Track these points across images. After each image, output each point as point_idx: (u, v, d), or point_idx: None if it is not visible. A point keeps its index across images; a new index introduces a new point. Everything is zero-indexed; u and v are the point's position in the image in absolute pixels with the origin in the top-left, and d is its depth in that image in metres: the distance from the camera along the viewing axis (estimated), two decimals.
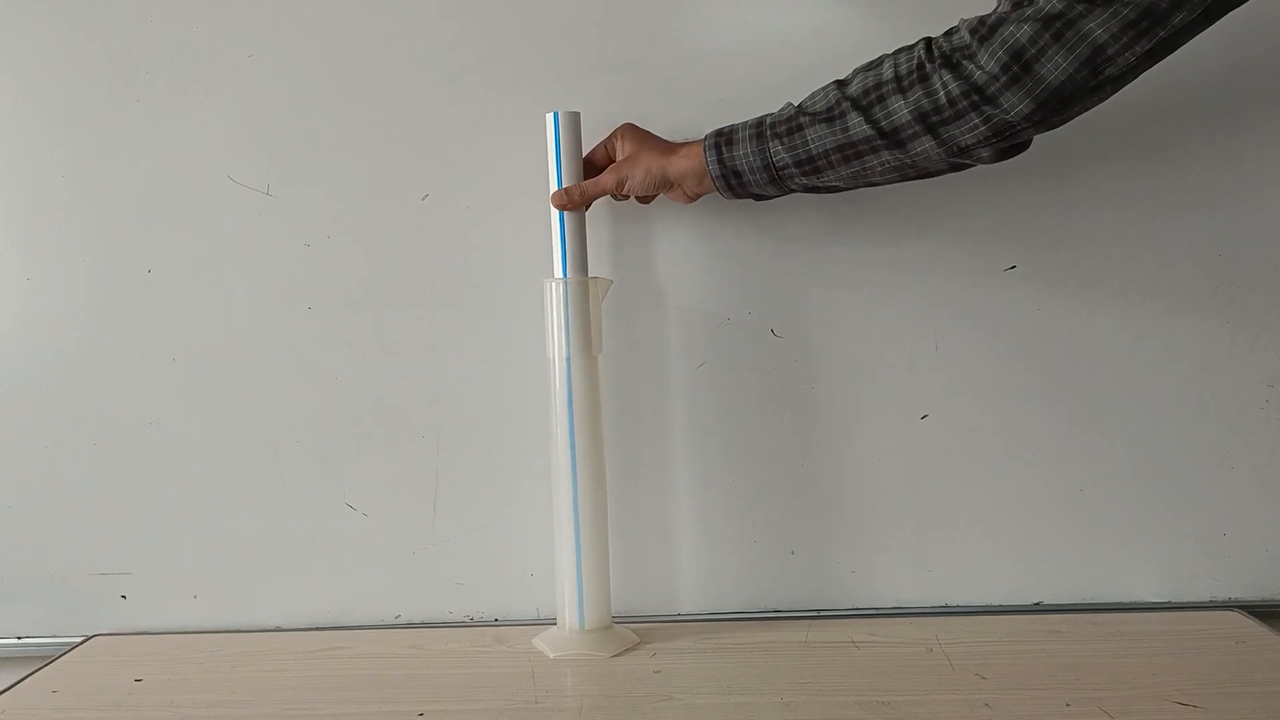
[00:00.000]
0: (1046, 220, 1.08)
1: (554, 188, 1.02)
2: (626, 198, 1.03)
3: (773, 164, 0.93)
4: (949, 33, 0.86)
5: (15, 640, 1.13)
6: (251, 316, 1.10)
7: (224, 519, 1.11)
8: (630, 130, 1.02)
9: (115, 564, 1.12)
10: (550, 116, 1.01)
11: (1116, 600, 1.10)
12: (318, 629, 1.11)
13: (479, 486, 1.11)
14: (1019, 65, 0.80)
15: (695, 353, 1.10)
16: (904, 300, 1.09)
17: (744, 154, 0.94)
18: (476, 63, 1.08)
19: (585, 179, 1.02)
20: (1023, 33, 0.79)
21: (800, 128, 0.91)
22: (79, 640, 1.10)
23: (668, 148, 1.00)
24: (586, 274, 1.02)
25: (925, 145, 0.86)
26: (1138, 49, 0.78)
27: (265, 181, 1.09)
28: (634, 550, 1.10)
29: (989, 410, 1.09)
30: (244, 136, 1.09)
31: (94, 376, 1.10)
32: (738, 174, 0.95)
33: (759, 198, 1.00)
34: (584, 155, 1.03)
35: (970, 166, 0.91)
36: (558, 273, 1.02)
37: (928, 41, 0.86)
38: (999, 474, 1.10)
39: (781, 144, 0.92)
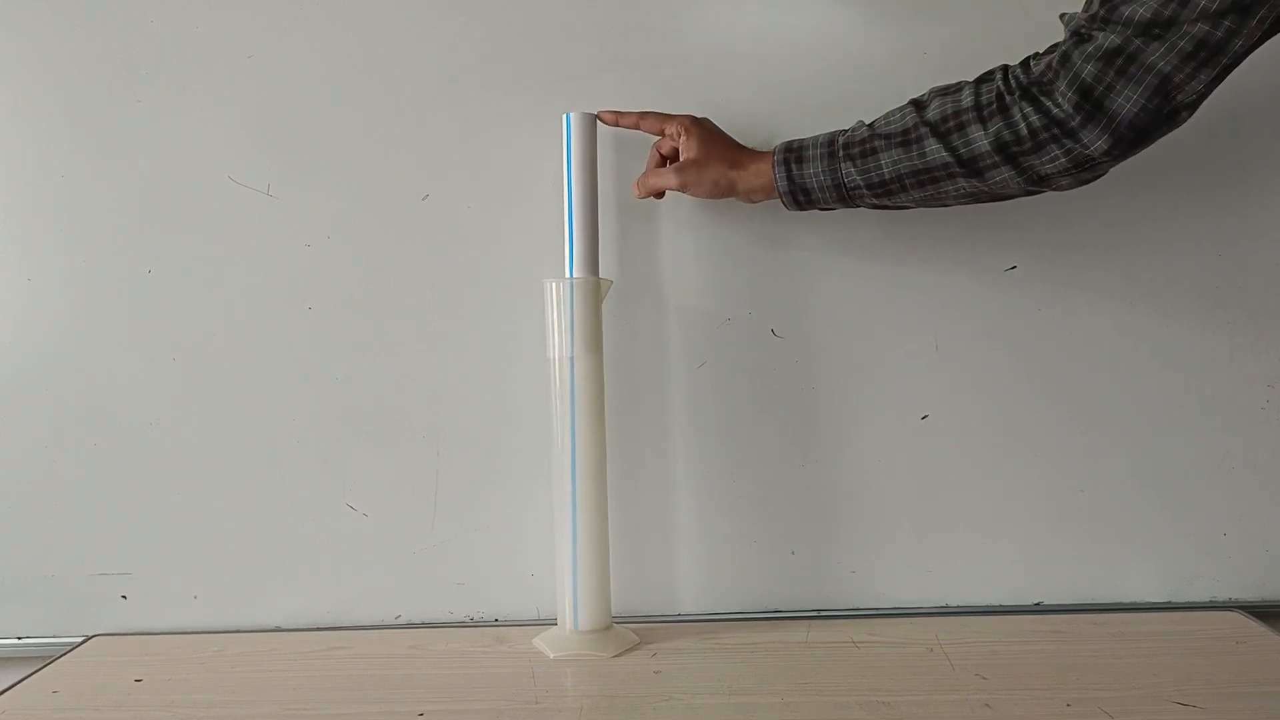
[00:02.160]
0: (1046, 220, 1.08)
1: (566, 190, 1.02)
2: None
3: (844, 184, 0.93)
4: (1025, 64, 0.86)
5: (15, 640, 1.12)
6: (251, 316, 1.10)
7: (224, 519, 1.11)
8: (696, 127, 1.00)
9: (115, 564, 1.12)
10: (564, 117, 1.01)
11: (1117, 600, 1.10)
12: (318, 629, 1.11)
13: (479, 486, 1.11)
14: (1090, 103, 0.80)
15: (695, 353, 1.10)
16: (904, 300, 1.09)
17: (814, 172, 0.94)
18: (477, 63, 1.08)
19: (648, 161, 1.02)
20: (1087, 71, 0.80)
21: (875, 150, 0.91)
22: (79, 640, 1.10)
23: (735, 157, 0.99)
24: (596, 273, 1.02)
25: (1004, 174, 0.86)
26: (1203, 76, 0.78)
27: (265, 182, 1.09)
28: (634, 550, 1.10)
29: (989, 410, 1.09)
30: (244, 136, 1.09)
31: (94, 376, 1.10)
32: (806, 191, 0.95)
33: (823, 210, 0.99)
34: (647, 123, 1.02)
35: (1044, 192, 0.90)
36: (566, 272, 1.02)
37: (1005, 70, 0.86)
38: (999, 474, 1.10)
39: (854, 165, 0.92)
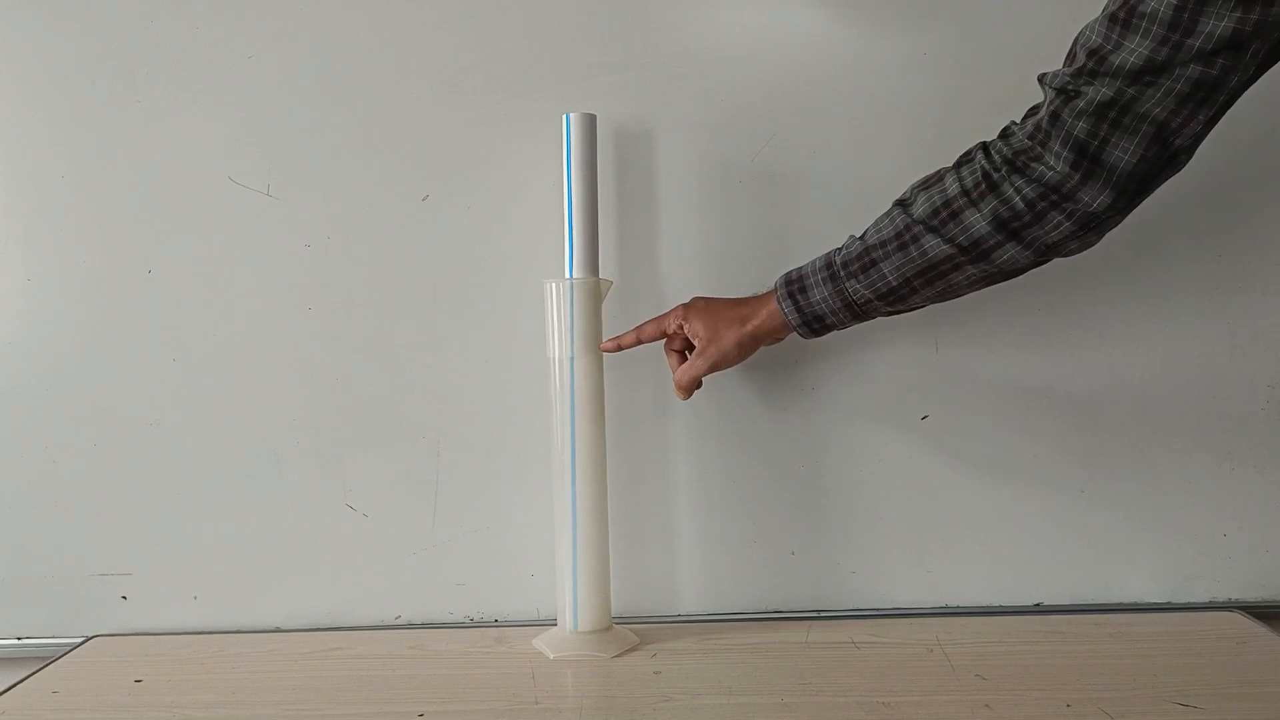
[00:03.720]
0: None
1: (566, 191, 1.02)
2: None
3: (854, 302, 0.92)
4: (1004, 136, 0.84)
5: (15, 641, 1.12)
6: (251, 317, 1.10)
7: (224, 519, 1.11)
8: (694, 311, 0.99)
9: (115, 564, 1.12)
10: (564, 118, 1.01)
11: (1117, 601, 1.10)
12: (318, 629, 1.11)
13: (479, 487, 1.11)
14: (1087, 160, 0.79)
15: None
16: None
17: (821, 298, 0.93)
18: (477, 63, 1.08)
19: (673, 358, 1.02)
20: (1079, 129, 0.78)
21: (874, 262, 0.89)
22: (79, 641, 1.10)
23: (742, 314, 0.98)
24: (596, 274, 1.02)
25: (1010, 251, 0.85)
26: (1201, 116, 0.77)
27: (265, 182, 1.09)
28: (634, 551, 1.10)
29: (989, 410, 1.09)
30: (244, 137, 1.09)
31: (94, 377, 1.10)
32: (819, 318, 0.94)
33: (840, 330, 0.97)
34: (645, 333, 1.02)
35: (1052, 259, 0.89)
36: (566, 272, 1.02)
37: (984, 148, 0.85)
38: (999, 474, 1.10)
39: (859, 281, 0.91)
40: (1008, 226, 0.83)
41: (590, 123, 1.02)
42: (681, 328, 1.00)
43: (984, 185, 0.83)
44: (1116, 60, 0.75)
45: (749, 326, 0.97)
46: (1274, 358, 1.08)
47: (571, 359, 1.00)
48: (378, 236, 1.09)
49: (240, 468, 1.11)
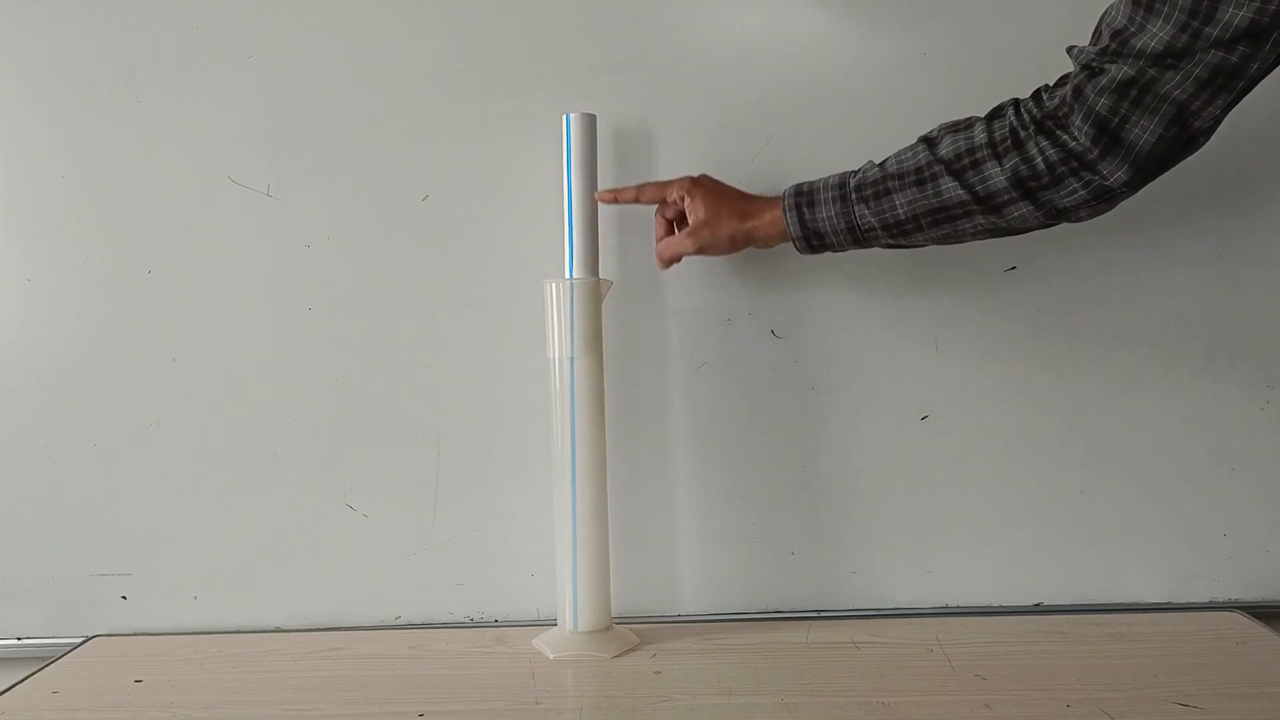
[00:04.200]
0: None
1: (566, 191, 1.02)
2: None
3: (858, 226, 0.92)
4: (1036, 96, 0.85)
5: (15, 641, 1.12)
6: (251, 317, 1.10)
7: (224, 519, 1.11)
8: (701, 189, 0.99)
9: (115, 564, 1.12)
10: (564, 118, 1.01)
11: (1117, 601, 1.10)
12: (318, 629, 1.11)
13: (479, 487, 1.11)
14: (1107, 136, 0.80)
15: (695, 353, 1.10)
16: (904, 300, 1.09)
17: (826, 216, 0.93)
18: (477, 63, 1.08)
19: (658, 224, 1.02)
20: (1101, 105, 0.79)
21: (889, 191, 0.90)
22: (79, 641, 1.10)
23: (744, 209, 0.98)
24: (596, 274, 1.02)
25: (1023, 209, 0.86)
26: (1220, 101, 0.77)
27: (265, 182, 1.09)
28: (634, 550, 1.10)
29: (989, 411, 1.09)
30: (244, 137, 1.09)
31: (94, 377, 1.10)
32: (820, 235, 0.94)
33: (836, 251, 0.98)
34: (646, 194, 1.02)
35: (1060, 224, 0.89)
36: (566, 272, 1.02)
37: (1016, 105, 0.86)
38: (999, 475, 1.10)
39: (868, 208, 0.91)
40: (1025, 185, 0.84)
41: (590, 123, 1.02)
42: (682, 200, 1.00)
43: (1010, 141, 0.84)
44: (1138, 43, 0.76)
45: (747, 224, 0.97)
46: (1274, 358, 1.08)
47: (571, 359, 1.00)
48: (378, 236, 1.09)
49: (240, 468, 1.11)
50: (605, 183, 1.06)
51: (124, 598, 1.12)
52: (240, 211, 1.09)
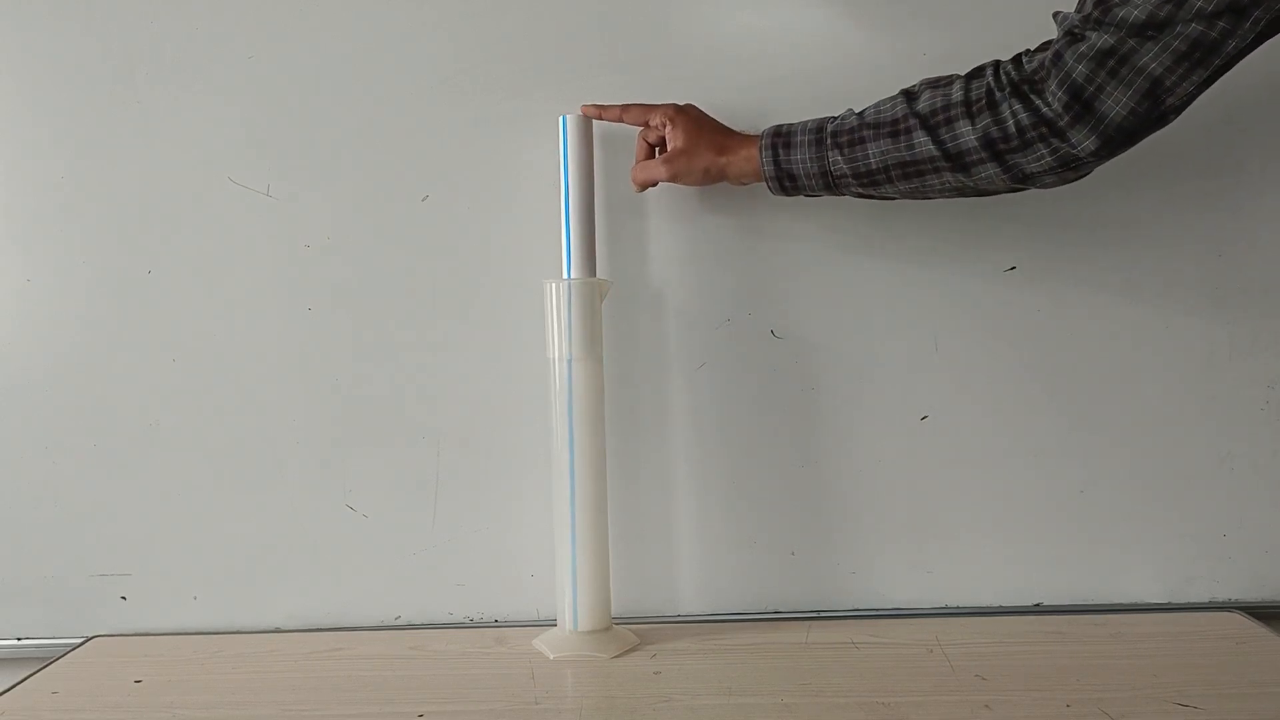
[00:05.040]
0: (1046, 220, 1.08)
1: (563, 192, 1.02)
2: None
3: (830, 172, 0.93)
4: (1017, 60, 0.86)
5: (15, 641, 1.12)
6: (251, 317, 1.10)
7: (224, 519, 1.11)
8: (684, 118, 1.00)
9: (115, 564, 1.12)
10: (560, 120, 1.01)
11: (1117, 601, 1.10)
12: (318, 630, 1.11)
13: (479, 487, 1.11)
14: (1080, 104, 0.80)
15: (695, 353, 1.10)
16: (904, 300, 1.09)
17: (800, 159, 0.94)
18: (476, 64, 1.08)
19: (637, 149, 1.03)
20: (1078, 72, 0.80)
21: (863, 140, 0.91)
22: (79, 641, 1.10)
23: (723, 142, 0.99)
24: (594, 274, 1.02)
25: (990, 171, 0.86)
26: (1194, 78, 0.78)
27: (265, 182, 1.09)
28: (634, 551, 1.10)
29: (989, 410, 1.09)
30: (244, 137, 1.09)
31: (94, 377, 1.10)
32: (792, 177, 0.95)
33: (808, 196, 0.99)
34: (630, 115, 1.02)
35: (1027, 189, 0.90)
36: (564, 273, 1.02)
37: (996, 66, 0.86)
38: (999, 475, 1.10)
39: (841, 154, 0.92)
40: (995, 146, 0.85)
41: (587, 124, 1.02)
42: (664, 126, 1.01)
43: (984, 101, 0.85)
44: (1121, 12, 0.77)
45: (723, 159, 0.98)
46: (1274, 358, 1.08)
47: (571, 359, 1.00)
48: (377, 236, 1.09)
49: (240, 468, 1.11)
50: (603, 184, 1.06)
51: (124, 598, 1.12)
52: (240, 211, 1.09)
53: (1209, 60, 0.77)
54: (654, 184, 1.04)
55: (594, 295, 1.01)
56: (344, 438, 1.11)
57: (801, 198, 0.99)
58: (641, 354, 1.10)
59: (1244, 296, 1.08)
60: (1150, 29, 0.76)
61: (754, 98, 1.07)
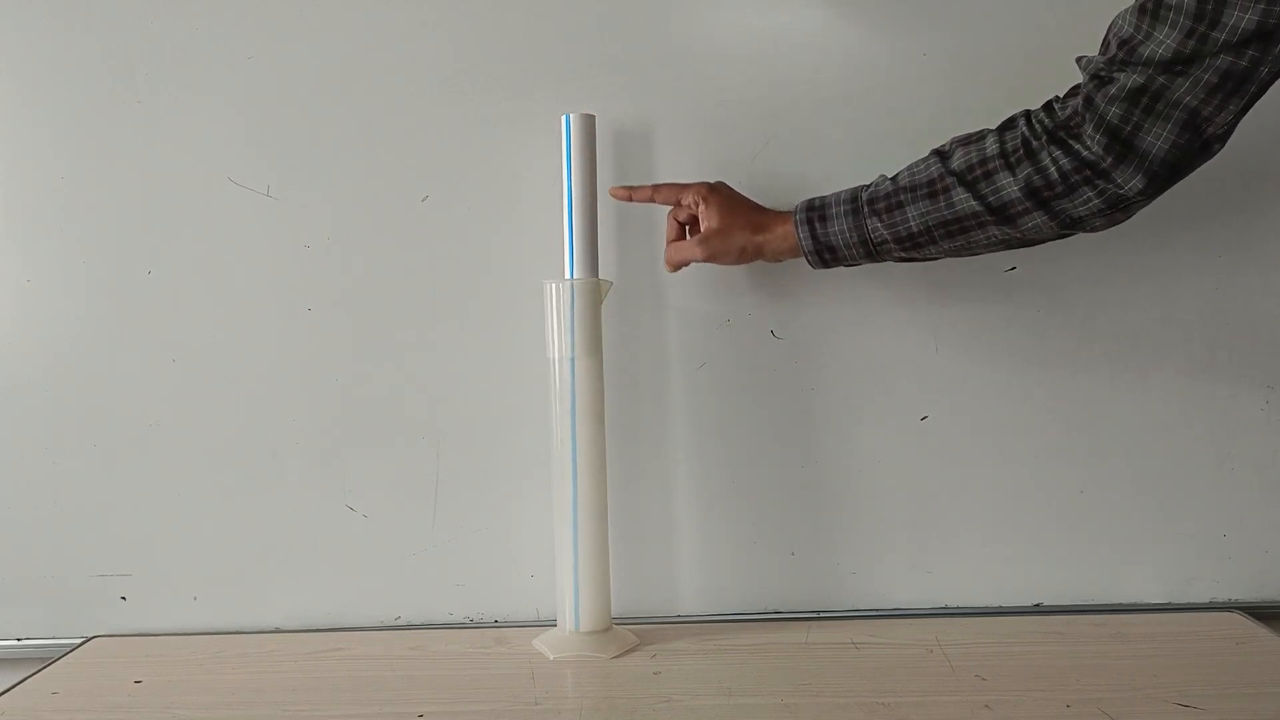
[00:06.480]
0: None
1: (565, 191, 1.02)
2: None
3: (870, 240, 0.92)
4: (1048, 107, 0.85)
5: (15, 641, 1.12)
6: (251, 317, 1.10)
7: (224, 519, 1.11)
8: (716, 197, 0.99)
9: (115, 565, 1.12)
10: (564, 118, 1.01)
11: (1117, 601, 1.10)
12: (318, 630, 1.11)
13: (479, 488, 1.11)
14: (1120, 144, 0.80)
15: (695, 354, 1.10)
16: (904, 300, 1.09)
17: (838, 230, 0.93)
18: (477, 64, 1.08)
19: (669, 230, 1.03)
20: (1112, 114, 0.79)
21: (901, 204, 0.90)
22: (79, 641, 1.10)
23: (757, 221, 0.98)
24: (596, 274, 1.02)
25: (1037, 219, 0.86)
26: (1232, 107, 0.77)
27: (265, 183, 1.09)
28: (634, 551, 1.10)
29: (989, 410, 1.09)
30: (244, 137, 1.09)
31: (94, 377, 1.10)
32: (832, 249, 0.94)
33: (848, 266, 0.98)
34: (662, 195, 1.02)
35: (1075, 234, 0.89)
36: (565, 272, 1.02)
37: (1027, 116, 0.86)
38: (999, 475, 1.10)
39: (880, 220, 0.91)
40: (1039, 195, 0.84)
41: (590, 123, 1.02)
42: (696, 205, 1.00)
43: (1022, 151, 0.84)
44: (1146, 51, 0.76)
45: (758, 237, 0.97)
46: (1274, 358, 1.08)
47: (571, 359, 1.00)
48: (377, 237, 1.09)
49: (240, 468, 1.11)
50: (605, 183, 1.06)
51: (124, 598, 1.12)
52: (240, 212, 1.09)
53: (1244, 89, 0.76)
54: (687, 264, 1.03)
55: (595, 295, 1.01)
56: (344, 438, 1.11)
57: (841, 269, 0.98)
58: (641, 354, 1.10)
59: (1244, 297, 1.08)
60: (1178, 65, 0.75)
61: (755, 97, 1.07)
